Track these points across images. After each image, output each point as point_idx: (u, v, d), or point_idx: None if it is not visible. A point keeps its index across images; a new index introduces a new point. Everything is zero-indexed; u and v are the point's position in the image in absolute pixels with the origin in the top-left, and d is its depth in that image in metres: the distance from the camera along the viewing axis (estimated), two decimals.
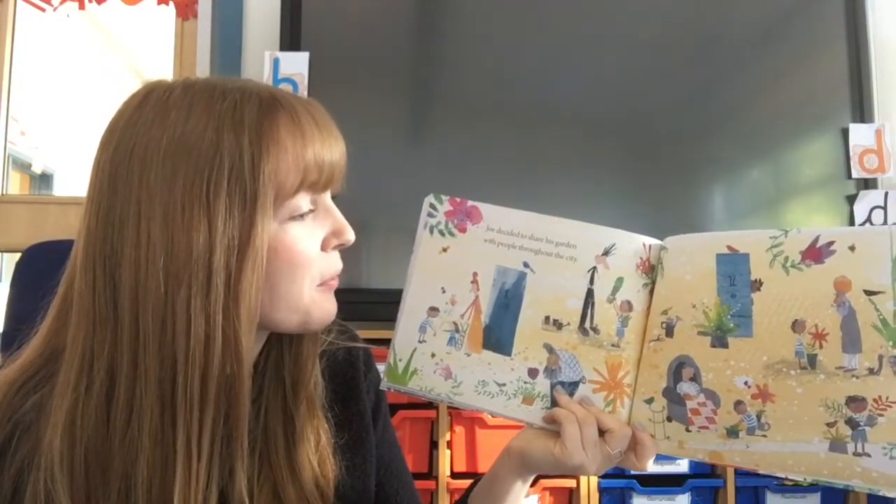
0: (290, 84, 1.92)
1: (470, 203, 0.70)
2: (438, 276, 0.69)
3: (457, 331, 0.68)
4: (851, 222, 2.01)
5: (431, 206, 0.70)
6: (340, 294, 0.68)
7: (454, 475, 1.68)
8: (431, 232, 0.70)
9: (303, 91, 1.91)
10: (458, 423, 1.68)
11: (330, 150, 0.63)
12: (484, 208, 0.70)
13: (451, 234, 0.69)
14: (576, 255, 0.67)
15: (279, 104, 0.61)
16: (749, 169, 2.08)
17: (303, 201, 0.62)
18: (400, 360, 0.69)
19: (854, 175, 2.04)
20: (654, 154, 2.06)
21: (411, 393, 0.70)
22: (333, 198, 0.67)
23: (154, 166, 0.58)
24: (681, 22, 2.10)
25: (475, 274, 0.68)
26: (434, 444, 1.69)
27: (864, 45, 2.08)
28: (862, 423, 0.54)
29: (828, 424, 0.55)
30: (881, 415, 0.53)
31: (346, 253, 0.68)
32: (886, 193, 2.01)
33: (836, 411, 0.55)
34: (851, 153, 2.04)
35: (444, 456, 1.66)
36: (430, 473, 1.70)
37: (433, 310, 0.69)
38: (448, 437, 1.67)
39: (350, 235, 0.66)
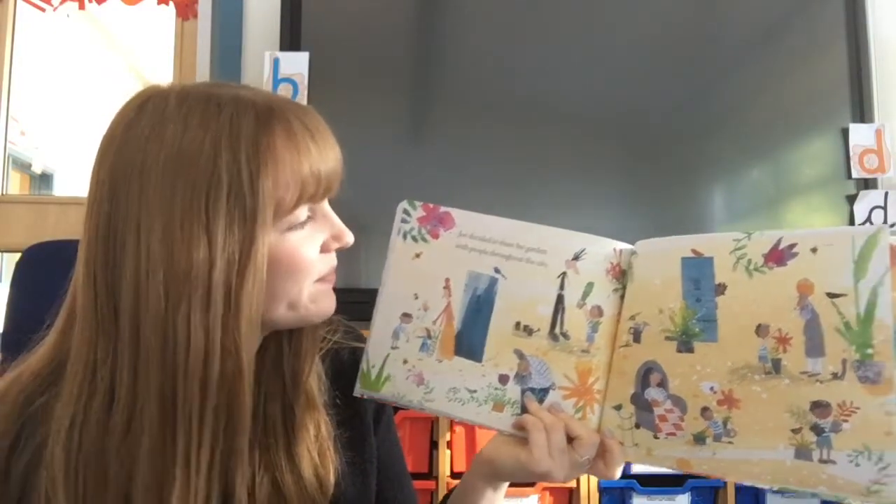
0: (290, 84, 1.92)
1: (443, 209, 0.69)
2: (411, 281, 0.69)
3: (429, 337, 0.68)
4: (851, 222, 2.01)
5: (405, 211, 0.70)
6: (340, 294, 0.69)
7: (454, 475, 1.68)
8: (405, 238, 0.70)
9: (303, 91, 1.91)
10: (458, 423, 1.68)
11: (326, 160, 0.63)
12: (456, 214, 0.69)
13: (424, 239, 0.69)
14: (546, 261, 0.66)
15: (275, 117, 0.61)
16: (749, 169, 2.07)
17: (301, 212, 0.63)
18: (373, 366, 0.69)
19: (854, 175, 2.04)
20: (654, 154, 2.06)
21: (384, 399, 0.70)
22: (332, 199, 0.68)
23: (153, 182, 0.58)
24: (681, 22, 2.10)
25: (447, 280, 0.68)
26: (434, 444, 1.69)
27: (864, 45, 2.08)
28: (827, 430, 0.53)
29: (793, 431, 0.54)
30: (845, 421, 0.52)
31: (346, 253, 0.69)
32: (886, 193, 2.01)
33: (801, 417, 0.54)
34: (851, 153, 2.04)
35: (444, 456, 1.66)
36: (430, 473, 1.70)
37: (406, 316, 0.69)
38: (448, 437, 1.67)
39: (349, 238, 0.67)
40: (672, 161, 2.06)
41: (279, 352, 0.70)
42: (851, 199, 2.03)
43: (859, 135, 2.04)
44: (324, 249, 0.66)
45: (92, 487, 0.58)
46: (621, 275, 0.66)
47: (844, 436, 0.52)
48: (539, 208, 1.97)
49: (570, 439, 0.65)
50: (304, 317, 0.66)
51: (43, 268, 1.98)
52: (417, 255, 0.69)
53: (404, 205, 0.70)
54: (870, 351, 0.51)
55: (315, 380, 0.72)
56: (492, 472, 0.71)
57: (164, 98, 0.61)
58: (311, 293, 0.65)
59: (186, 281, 0.57)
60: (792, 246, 0.55)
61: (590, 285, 0.65)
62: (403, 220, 0.70)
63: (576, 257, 0.66)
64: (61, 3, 2.22)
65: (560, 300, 0.66)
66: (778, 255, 0.56)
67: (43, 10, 2.24)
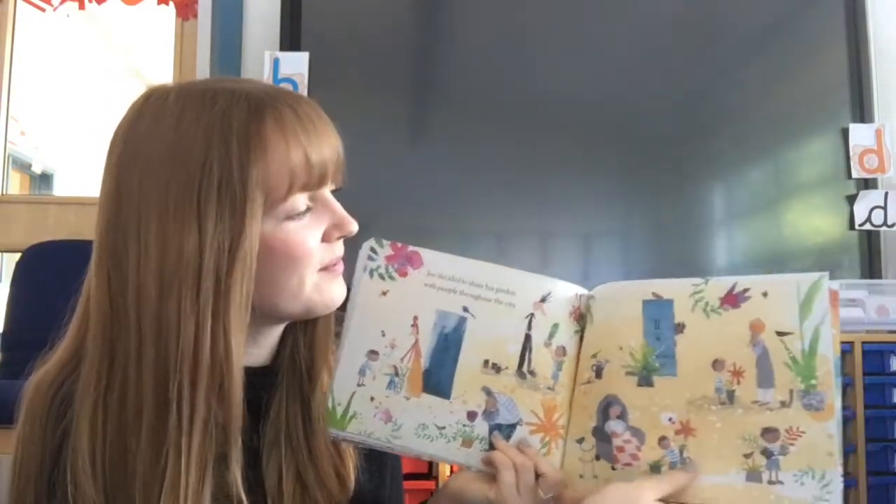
0: (290, 84, 1.92)
1: (411, 248, 0.69)
2: (378, 319, 0.69)
3: (396, 374, 0.68)
4: (851, 222, 2.02)
5: (372, 249, 0.70)
6: None
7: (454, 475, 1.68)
8: (371, 275, 0.69)
9: (303, 91, 1.91)
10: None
11: (318, 149, 0.63)
12: (425, 254, 0.70)
13: (392, 277, 0.69)
14: (514, 301, 0.68)
15: (266, 107, 0.62)
16: (749, 169, 2.08)
17: (299, 201, 0.63)
18: (339, 404, 0.68)
19: (854, 175, 2.04)
20: (654, 154, 2.06)
21: (349, 439, 0.68)
22: (339, 191, 0.68)
23: (150, 176, 0.60)
24: (681, 22, 2.10)
25: (415, 318, 0.68)
26: None
27: (864, 45, 2.08)
28: (775, 453, 0.58)
29: (745, 455, 0.59)
30: (792, 444, 0.57)
31: (346, 253, 0.69)
32: (886, 193, 2.01)
33: (752, 443, 0.58)
34: (851, 153, 2.04)
35: None
36: (430, 473, 1.70)
37: (373, 353, 0.68)
38: None
39: (352, 227, 0.67)
40: (672, 161, 2.06)
41: (295, 347, 0.71)
42: (851, 199, 2.03)
43: (859, 135, 2.04)
44: (325, 238, 0.66)
45: (117, 474, 0.59)
46: (580, 318, 0.68)
47: (791, 458, 0.57)
48: (539, 208, 1.97)
49: (537, 476, 0.66)
50: (309, 307, 0.66)
51: (43, 268, 1.98)
52: (384, 293, 0.69)
53: (371, 243, 0.70)
54: (813, 382, 0.57)
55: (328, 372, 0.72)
56: None
57: (165, 95, 0.63)
58: (315, 283, 0.65)
59: (178, 270, 0.59)
60: (745, 290, 0.61)
61: (555, 326, 0.68)
62: (370, 258, 0.70)
63: (543, 299, 0.68)
64: (61, 3, 2.22)
65: (528, 339, 0.67)
66: (732, 299, 0.61)
67: (43, 10, 2.24)
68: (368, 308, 0.69)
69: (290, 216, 0.63)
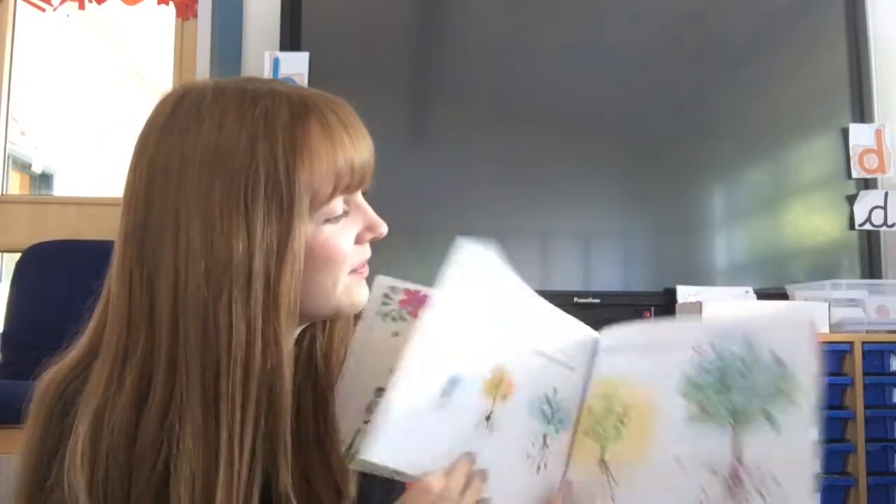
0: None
1: (423, 292, 0.72)
2: (387, 358, 0.68)
3: None
4: (851, 222, 2.02)
5: (386, 295, 0.72)
6: None
7: None
8: (384, 319, 0.72)
9: None
10: None
11: (360, 152, 0.65)
12: None
13: (404, 318, 0.71)
14: None
15: (309, 109, 0.62)
16: (749, 169, 2.08)
17: (338, 205, 0.64)
18: (342, 440, 0.69)
19: (854, 175, 2.04)
20: (654, 154, 2.07)
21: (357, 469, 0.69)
22: (366, 191, 0.69)
23: (191, 176, 0.60)
24: (681, 23, 2.10)
25: None
26: None
27: (864, 45, 2.08)
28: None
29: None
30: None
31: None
32: (886, 193, 2.02)
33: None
34: (851, 153, 2.04)
35: None
36: None
37: (381, 391, 0.68)
38: None
39: (383, 229, 0.68)
40: (672, 161, 2.06)
41: (312, 344, 0.71)
42: (851, 199, 2.03)
43: (859, 135, 2.04)
44: (358, 241, 0.67)
45: (115, 482, 0.59)
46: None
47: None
48: (539, 208, 1.97)
49: None
50: (338, 309, 0.67)
51: (43, 268, 1.98)
52: (396, 334, 0.71)
53: (386, 290, 0.72)
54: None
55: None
56: None
57: (201, 93, 0.62)
58: (346, 284, 0.66)
59: (227, 271, 0.58)
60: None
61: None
62: (384, 303, 0.72)
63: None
64: (61, 3, 2.22)
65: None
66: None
67: (43, 10, 2.24)
68: (378, 350, 0.71)
69: (329, 219, 0.64)
